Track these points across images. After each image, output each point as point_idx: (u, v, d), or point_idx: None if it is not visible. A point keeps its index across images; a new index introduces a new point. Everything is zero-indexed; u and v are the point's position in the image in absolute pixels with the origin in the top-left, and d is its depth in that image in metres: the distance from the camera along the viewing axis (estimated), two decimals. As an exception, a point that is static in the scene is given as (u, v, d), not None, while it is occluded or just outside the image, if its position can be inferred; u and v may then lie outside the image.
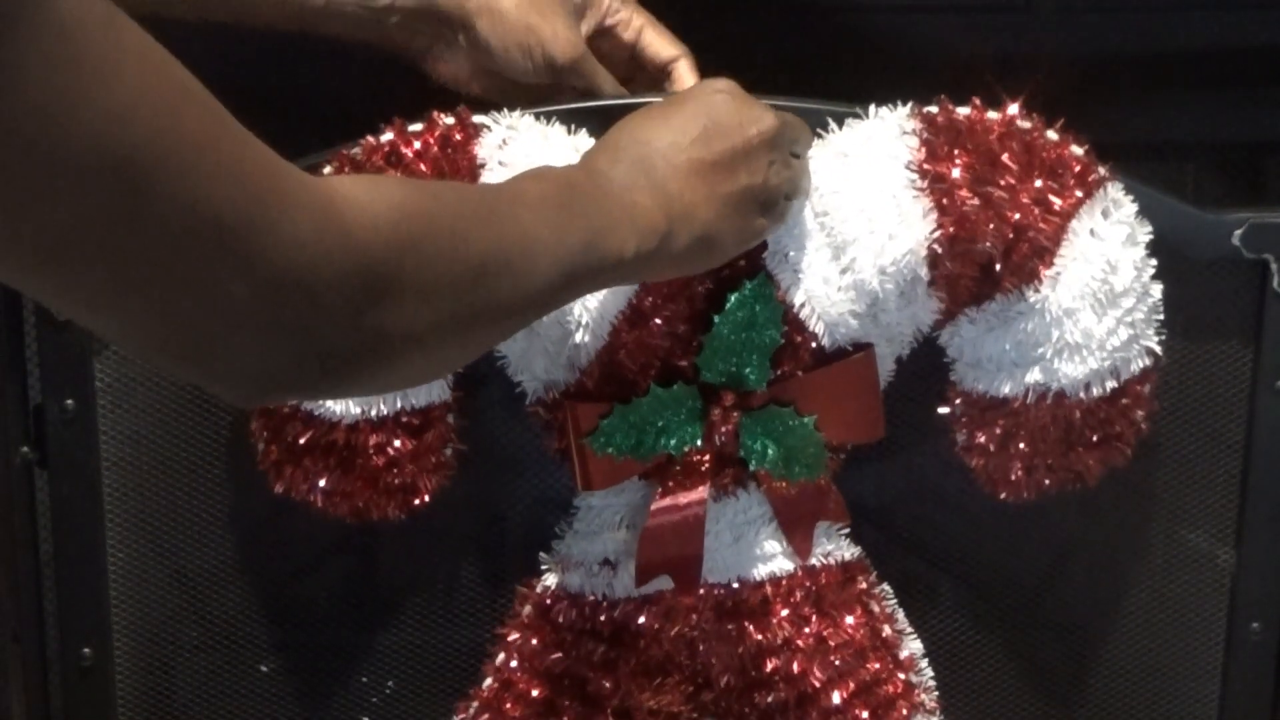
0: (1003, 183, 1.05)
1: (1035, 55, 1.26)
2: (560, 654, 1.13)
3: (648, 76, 1.15)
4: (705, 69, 1.15)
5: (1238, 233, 1.12)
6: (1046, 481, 1.12)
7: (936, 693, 1.17)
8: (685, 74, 1.13)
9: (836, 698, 1.12)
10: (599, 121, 1.07)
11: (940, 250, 1.05)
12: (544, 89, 1.11)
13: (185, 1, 1.03)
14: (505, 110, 1.06)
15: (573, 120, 1.07)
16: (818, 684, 1.12)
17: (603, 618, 1.12)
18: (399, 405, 1.07)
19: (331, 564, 1.17)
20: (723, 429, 1.08)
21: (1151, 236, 1.08)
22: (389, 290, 0.73)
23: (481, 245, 0.80)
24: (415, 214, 0.76)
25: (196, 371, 0.73)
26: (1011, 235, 1.05)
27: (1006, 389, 1.10)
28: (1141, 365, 1.09)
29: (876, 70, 1.27)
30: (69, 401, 1.11)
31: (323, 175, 0.77)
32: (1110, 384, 1.09)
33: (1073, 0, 1.28)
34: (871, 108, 1.07)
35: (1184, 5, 1.27)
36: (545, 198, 0.87)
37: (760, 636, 1.12)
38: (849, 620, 1.13)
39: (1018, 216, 1.05)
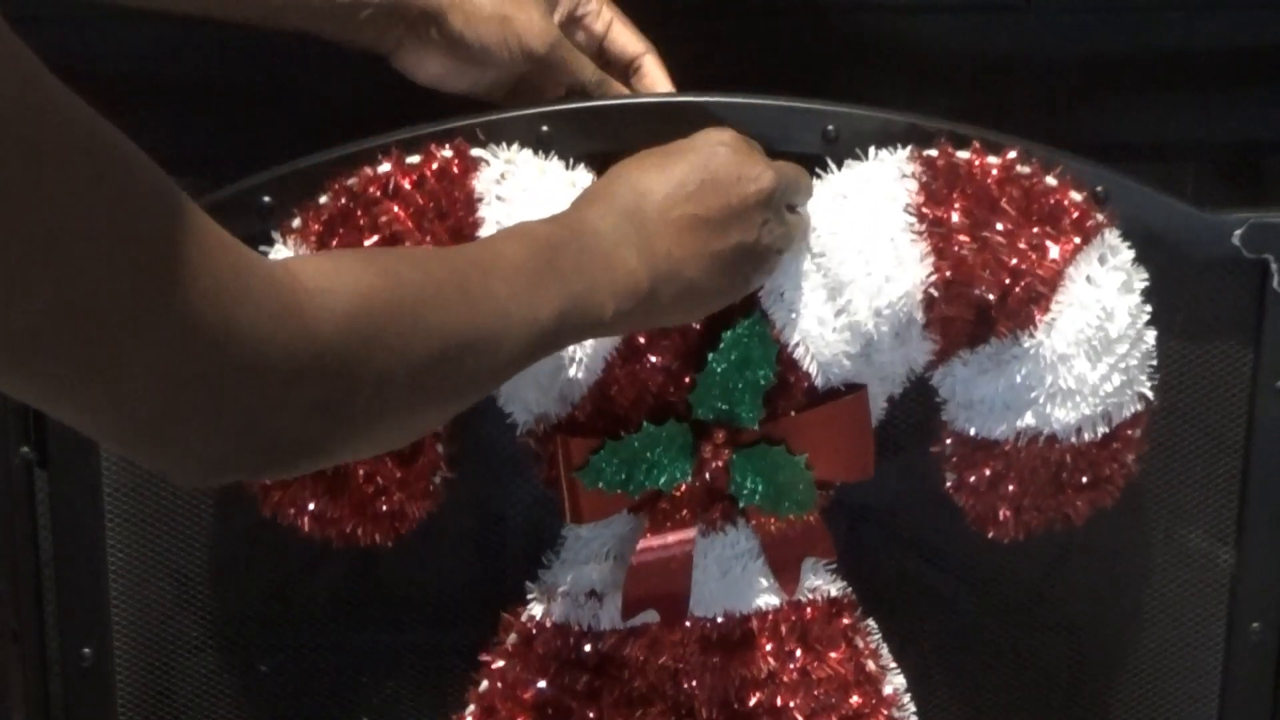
0: (1001, 227, 1.05)
1: (1035, 55, 1.26)
2: (544, 683, 1.13)
3: (615, 72, 1.14)
4: (708, 68, 1.15)
5: (1238, 233, 1.12)
6: (1034, 522, 1.13)
7: None
8: (653, 69, 1.12)
9: None
10: (599, 122, 1.07)
11: (936, 293, 1.05)
12: (520, 81, 1.10)
13: None
14: (504, 144, 1.06)
15: (572, 121, 1.07)
16: (801, 718, 1.12)
17: (588, 648, 1.12)
18: None
19: (331, 564, 1.17)
20: (713, 465, 1.08)
21: (1147, 283, 1.08)
22: (345, 383, 0.73)
23: (446, 330, 0.79)
24: (378, 303, 0.75)
25: (143, 455, 0.72)
26: (1008, 280, 1.05)
27: (998, 431, 1.10)
28: (1133, 410, 1.10)
29: (877, 70, 1.27)
30: (69, 401, 1.11)
31: (291, 256, 0.76)
32: (1102, 429, 1.09)
33: (1073, 0, 1.28)
34: (871, 149, 1.07)
35: (1184, 5, 1.27)
36: (522, 265, 0.86)
37: (745, 670, 1.12)
38: (833, 655, 1.14)
39: (1015, 261, 1.05)
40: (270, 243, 1.05)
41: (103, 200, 0.62)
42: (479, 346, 0.81)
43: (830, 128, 1.08)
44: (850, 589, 1.16)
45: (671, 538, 1.09)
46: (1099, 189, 1.09)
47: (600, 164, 1.05)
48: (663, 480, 1.08)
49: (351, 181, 1.04)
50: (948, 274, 1.05)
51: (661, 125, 1.06)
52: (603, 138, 1.08)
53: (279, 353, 0.69)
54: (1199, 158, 1.35)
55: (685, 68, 1.15)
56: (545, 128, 1.07)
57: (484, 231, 1.03)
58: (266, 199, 1.07)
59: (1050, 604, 1.22)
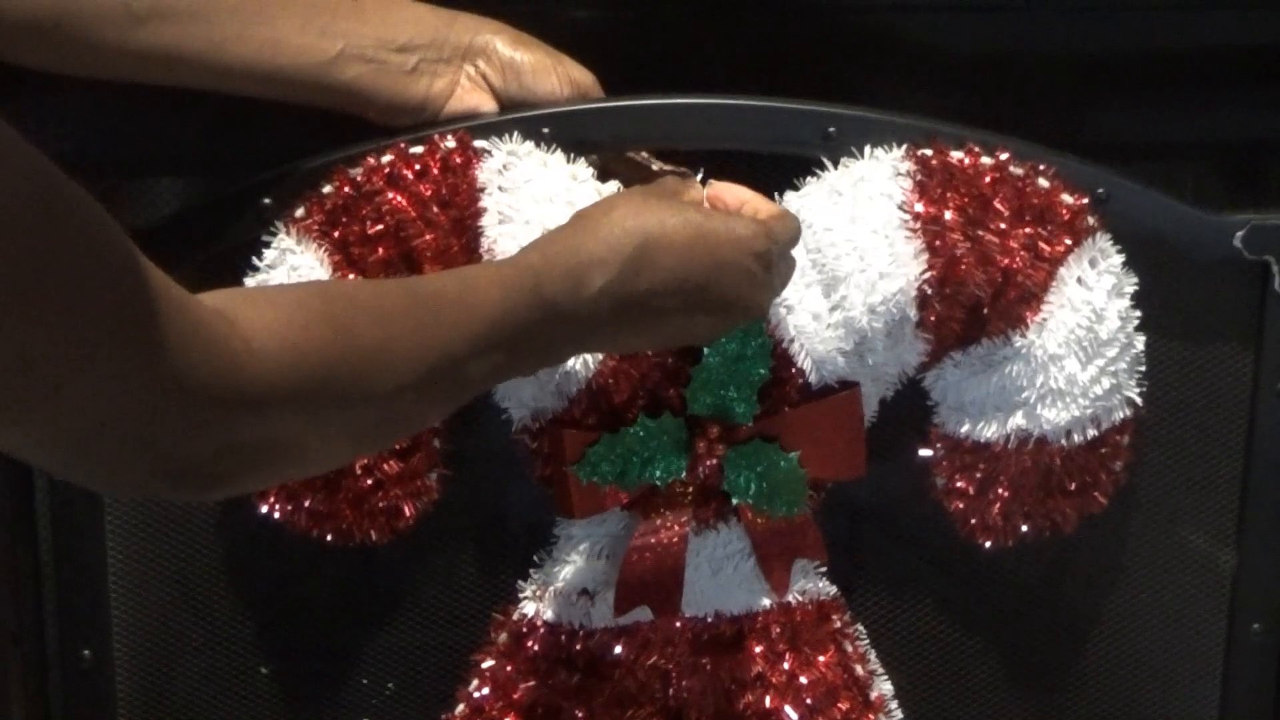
0: (994, 227, 1.06)
1: (1035, 55, 1.26)
2: (534, 682, 1.13)
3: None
4: (707, 69, 1.14)
5: (1239, 234, 1.12)
6: (1024, 528, 1.13)
7: None
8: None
9: None
10: (600, 123, 1.07)
11: (930, 291, 1.06)
12: None
13: (171, 69, 1.03)
14: (505, 135, 1.06)
15: (573, 121, 1.07)
16: None
17: (578, 647, 1.13)
18: None
19: (331, 564, 1.17)
20: (707, 462, 1.08)
21: (1137, 287, 1.09)
22: (270, 434, 0.75)
23: (389, 388, 0.80)
24: (316, 366, 0.76)
25: (71, 473, 0.74)
26: (1000, 279, 1.06)
27: (989, 433, 1.10)
28: (1122, 416, 1.10)
29: (877, 70, 1.27)
30: (69, 402, 1.11)
31: (237, 299, 0.77)
32: (1091, 432, 1.10)
33: (1073, 0, 1.28)
34: (867, 149, 1.07)
35: (1184, 5, 1.27)
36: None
37: (735, 672, 1.13)
38: (822, 659, 1.14)
39: (1007, 261, 1.06)
40: (268, 245, 1.05)
41: (64, 259, 0.65)
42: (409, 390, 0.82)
43: (830, 128, 1.08)
44: (838, 592, 1.16)
45: (667, 523, 1.09)
46: (1099, 190, 1.09)
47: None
48: (657, 474, 1.08)
49: (355, 171, 1.04)
50: (941, 271, 1.05)
51: (662, 126, 1.06)
52: (603, 138, 1.08)
53: (205, 396, 0.71)
54: (1199, 158, 1.35)
55: (687, 68, 1.15)
56: (546, 129, 1.07)
57: (486, 220, 1.04)
58: (266, 200, 1.07)
59: (1050, 604, 1.22)
